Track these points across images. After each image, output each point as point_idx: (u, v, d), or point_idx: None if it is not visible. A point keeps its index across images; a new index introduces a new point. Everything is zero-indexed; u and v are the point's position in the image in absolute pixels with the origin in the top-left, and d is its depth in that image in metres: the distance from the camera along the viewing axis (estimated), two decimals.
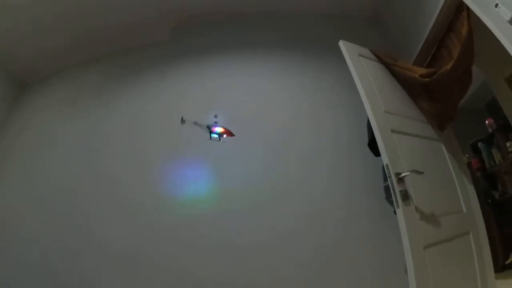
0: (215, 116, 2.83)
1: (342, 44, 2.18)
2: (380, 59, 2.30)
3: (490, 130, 4.03)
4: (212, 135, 2.77)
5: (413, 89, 2.25)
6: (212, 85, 3.05)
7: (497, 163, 3.88)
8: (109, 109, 3.18)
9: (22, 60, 3.60)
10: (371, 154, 2.30)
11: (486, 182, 3.87)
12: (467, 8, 1.92)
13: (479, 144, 4.18)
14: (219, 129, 2.78)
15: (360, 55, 2.19)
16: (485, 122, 4.15)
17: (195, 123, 2.82)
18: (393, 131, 1.92)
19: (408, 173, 1.74)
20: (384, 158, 1.77)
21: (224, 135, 2.78)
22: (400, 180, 1.74)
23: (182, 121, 2.85)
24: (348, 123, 2.66)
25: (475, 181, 2.44)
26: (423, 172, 1.80)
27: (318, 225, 2.34)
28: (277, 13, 3.47)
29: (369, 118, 1.89)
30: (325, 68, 2.95)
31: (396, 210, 1.69)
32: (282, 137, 2.71)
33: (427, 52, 2.53)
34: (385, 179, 2.10)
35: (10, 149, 3.23)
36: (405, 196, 1.70)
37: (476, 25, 1.85)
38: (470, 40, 1.93)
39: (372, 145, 2.19)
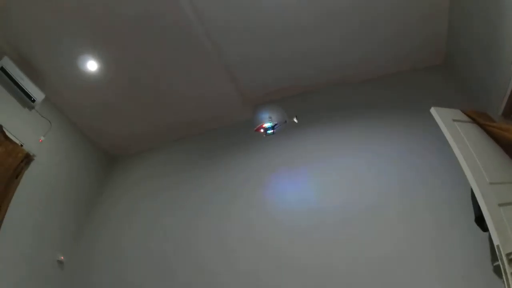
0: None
1: (434, 111, 2.20)
2: (474, 120, 2.29)
3: None
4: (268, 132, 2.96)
5: (511, 149, 2.22)
6: (299, 162, 3.21)
7: None
8: (193, 186, 3.54)
9: (113, 137, 4.23)
10: (478, 230, 2.21)
11: None
12: None
13: None
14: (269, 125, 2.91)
15: (454, 120, 2.20)
16: None
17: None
18: (500, 204, 1.93)
19: None
20: (494, 238, 1.80)
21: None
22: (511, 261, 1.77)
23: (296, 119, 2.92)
24: (447, 196, 2.53)
25: None
26: None
27: None
28: (347, 83, 3.64)
29: (475, 193, 1.92)
30: (412, 135, 2.91)
31: None
32: (372, 219, 2.66)
33: None
34: (495, 258, 2.10)
35: (103, 219, 3.76)
36: None
37: None
38: None
39: (479, 221, 2.19)
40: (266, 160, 3.40)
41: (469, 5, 2.77)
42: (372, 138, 3.04)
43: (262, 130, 2.80)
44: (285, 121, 2.93)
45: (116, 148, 4.39)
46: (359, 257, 2.51)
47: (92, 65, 3.37)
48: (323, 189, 2.97)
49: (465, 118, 2.29)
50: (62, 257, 3.44)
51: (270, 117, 2.94)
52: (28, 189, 3.22)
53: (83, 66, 3.37)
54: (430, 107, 2.25)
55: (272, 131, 2.82)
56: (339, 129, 3.24)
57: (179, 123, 4.06)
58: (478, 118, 2.29)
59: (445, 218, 2.44)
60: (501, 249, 1.77)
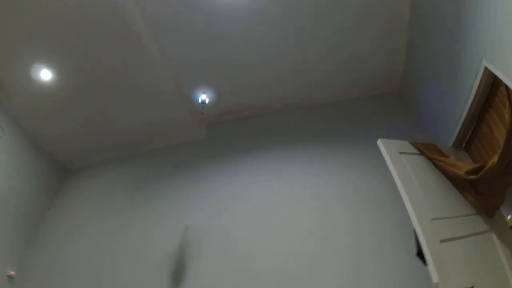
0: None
1: (380, 143, 2.22)
2: (421, 152, 2.31)
3: None
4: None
5: (458, 183, 2.24)
6: (244, 183, 3.23)
7: None
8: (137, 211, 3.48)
9: (65, 150, 4.14)
10: (419, 262, 2.22)
11: None
12: (507, 88, 1.90)
13: None
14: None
15: (400, 153, 2.21)
16: None
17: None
18: (442, 241, 1.93)
19: None
20: (434, 276, 1.79)
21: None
22: None
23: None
24: (392, 227, 2.54)
25: None
26: (473, 286, 1.80)
27: None
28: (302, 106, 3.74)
29: (416, 230, 1.92)
30: (361, 163, 2.92)
31: None
32: (315, 250, 2.65)
33: (467, 128, 2.52)
34: None
35: (51, 233, 3.64)
36: None
37: None
38: None
39: (420, 254, 2.19)
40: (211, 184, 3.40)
41: (425, 40, 2.86)
42: (319, 167, 3.06)
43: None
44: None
45: (69, 161, 4.25)
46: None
47: (46, 74, 3.32)
48: (262, 223, 2.93)
49: (413, 150, 2.31)
50: (13, 272, 3.30)
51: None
52: None
53: (37, 74, 3.30)
54: (380, 136, 2.27)
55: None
56: (286, 155, 3.27)
57: (130, 141, 4.02)
58: (426, 151, 2.31)
59: (389, 252, 2.44)
60: (440, 287, 1.77)
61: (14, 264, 3.35)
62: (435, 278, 1.78)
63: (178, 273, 2.87)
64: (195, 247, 2.97)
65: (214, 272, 2.76)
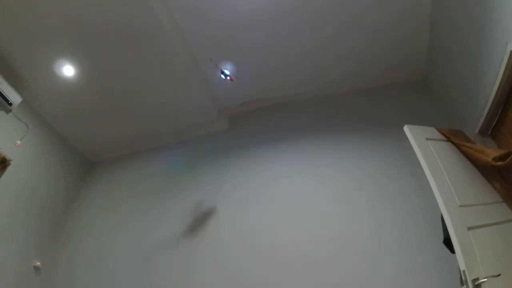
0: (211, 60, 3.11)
1: (407, 129, 2.17)
2: (449, 139, 2.25)
3: None
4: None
5: (485, 170, 2.19)
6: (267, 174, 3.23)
7: None
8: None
9: (90, 142, 4.19)
10: (445, 250, 2.18)
11: None
12: None
13: None
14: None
15: (427, 139, 2.17)
16: None
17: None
18: (469, 228, 1.90)
19: (486, 279, 1.73)
20: (461, 263, 1.77)
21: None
22: (477, 286, 1.74)
23: None
24: (416, 217, 2.49)
25: None
26: (499, 274, 1.78)
27: None
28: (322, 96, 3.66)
29: (444, 216, 1.89)
30: (386, 150, 2.87)
31: None
32: (339, 234, 2.64)
33: (493, 115, 2.45)
34: (462, 282, 2.07)
35: (76, 224, 3.74)
36: None
37: None
38: None
39: (448, 242, 2.16)
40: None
41: (449, 25, 2.77)
42: (345, 154, 3.03)
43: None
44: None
45: (93, 154, 4.33)
46: (326, 283, 2.47)
47: (69, 70, 3.33)
48: (289, 207, 2.93)
49: (439, 136, 2.26)
50: (39, 263, 3.39)
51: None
52: (4, 193, 3.17)
53: (60, 70, 3.32)
54: (405, 124, 2.22)
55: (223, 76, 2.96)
56: (311, 141, 3.24)
57: (155, 132, 4.03)
58: (453, 137, 2.26)
59: (412, 240, 2.41)
60: (467, 275, 1.75)
61: (40, 255, 3.44)
62: (462, 266, 1.77)
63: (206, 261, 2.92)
64: (222, 238, 3.00)
65: (240, 260, 2.80)
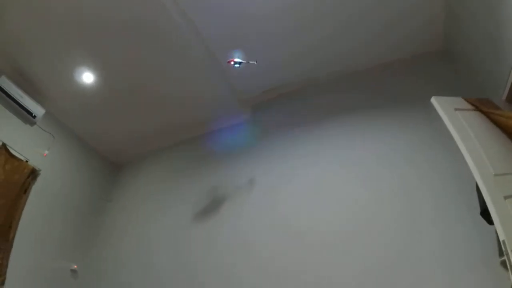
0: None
1: (435, 100, 2.12)
2: (477, 108, 2.19)
3: None
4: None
5: None
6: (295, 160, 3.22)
7: None
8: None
9: (114, 145, 4.30)
10: (484, 223, 2.12)
11: None
12: None
13: None
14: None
15: (456, 109, 2.11)
16: None
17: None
18: (506, 197, 1.85)
19: None
20: (500, 233, 1.74)
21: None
22: None
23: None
24: (450, 190, 2.42)
25: None
26: None
27: None
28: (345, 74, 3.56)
29: (479, 186, 1.85)
30: (414, 124, 2.80)
31: None
32: (372, 218, 2.60)
33: None
34: (501, 253, 2.03)
35: (110, 226, 3.87)
36: None
37: None
38: None
39: (485, 214, 2.11)
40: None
41: None
42: (371, 132, 2.97)
43: (232, 63, 2.86)
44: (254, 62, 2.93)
45: (119, 156, 4.43)
46: (363, 256, 2.47)
47: (88, 77, 3.40)
48: (320, 186, 2.93)
49: (467, 106, 2.20)
50: (76, 266, 3.53)
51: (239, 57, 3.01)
52: (37, 202, 3.29)
53: (80, 78, 3.39)
54: (429, 96, 2.17)
55: (238, 65, 2.91)
56: (336, 124, 3.20)
57: (177, 126, 4.06)
58: (481, 106, 2.19)
59: (449, 213, 2.35)
60: (506, 244, 1.71)
61: (77, 258, 3.60)
62: (502, 236, 1.73)
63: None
64: (252, 228, 3.05)
65: (271, 247, 2.84)
